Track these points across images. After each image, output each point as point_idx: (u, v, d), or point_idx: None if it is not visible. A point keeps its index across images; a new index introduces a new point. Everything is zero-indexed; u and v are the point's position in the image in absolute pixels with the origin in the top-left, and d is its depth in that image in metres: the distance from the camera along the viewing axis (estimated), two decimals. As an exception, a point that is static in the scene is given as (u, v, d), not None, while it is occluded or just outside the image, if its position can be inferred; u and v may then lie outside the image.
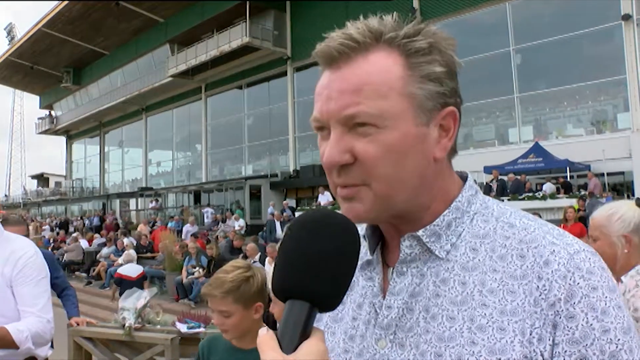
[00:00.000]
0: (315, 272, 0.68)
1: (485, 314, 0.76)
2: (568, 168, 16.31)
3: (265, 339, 0.66)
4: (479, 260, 0.80)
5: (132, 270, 12.95)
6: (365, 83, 0.78)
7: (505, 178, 15.93)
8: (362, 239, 0.93)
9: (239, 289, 2.11)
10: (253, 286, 2.15)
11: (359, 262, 0.93)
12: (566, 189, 15.28)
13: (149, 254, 16.95)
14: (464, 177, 0.91)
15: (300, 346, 0.65)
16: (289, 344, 0.65)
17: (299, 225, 0.73)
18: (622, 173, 17.05)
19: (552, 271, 0.75)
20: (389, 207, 0.81)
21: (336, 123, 0.79)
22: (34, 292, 2.44)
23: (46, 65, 41.40)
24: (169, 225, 22.71)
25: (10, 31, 51.72)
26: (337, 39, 0.80)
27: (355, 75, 0.78)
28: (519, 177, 15.76)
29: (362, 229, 0.95)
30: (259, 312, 2.17)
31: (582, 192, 14.54)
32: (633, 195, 15.62)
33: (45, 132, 48.99)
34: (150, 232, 20.66)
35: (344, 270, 0.71)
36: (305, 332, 0.67)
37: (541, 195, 14.51)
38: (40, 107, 50.45)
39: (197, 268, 12.94)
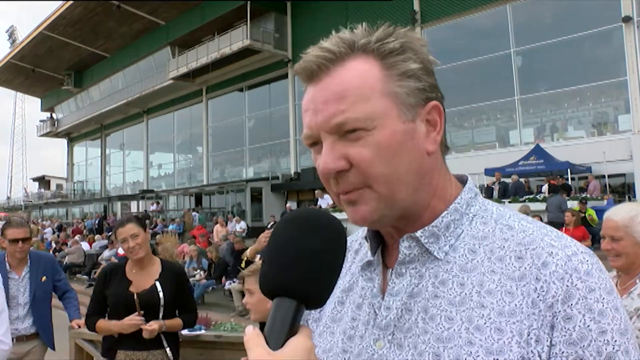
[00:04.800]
0: (303, 271, 0.69)
1: (483, 314, 0.77)
2: (569, 170, 16.28)
3: (252, 336, 0.67)
4: (478, 261, 0.81)
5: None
6: (346, 89, 0.80)
7: (508, 180, 15.86)
8: (364, 240, 0.94)
9: None
10: None
11: (360, 264, 0.94)
12: (564, 190, 15.16)
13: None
14: (463, 181, 0.92)
15: (287, 343, 0.66)
16: (276, 341, 0.66)
17: (286, 223, 0.74)
18: (623, 175, 17.03)
19: (549, 272, 0.75)
20: (392, 206, 0.82)
21: (326, 134, 0.81)
22: None
23: (47, 68, 41.48)
24: (170, 227, 22.72)
25: (11, 34, 51.79)
26: (314, 53, 0.83)
27: (336, 84, 0.81)
28: (522, 181, 15.71)
29: (364, 230, 0.96)
30: None
31: (583, 195, 14.52)
32: (634, 197, 15.60)
33: (46, 134, 49.06)
34: (153, 236, 20.64)
35: (331, 269, 0.72)
36: (292, 329, 0.68)
37: (542, 197, 14.49)
38: (41, 110, 50.55)
39: (199, 271, 12.94)
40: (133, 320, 3.23)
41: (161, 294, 3.35)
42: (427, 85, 0.84)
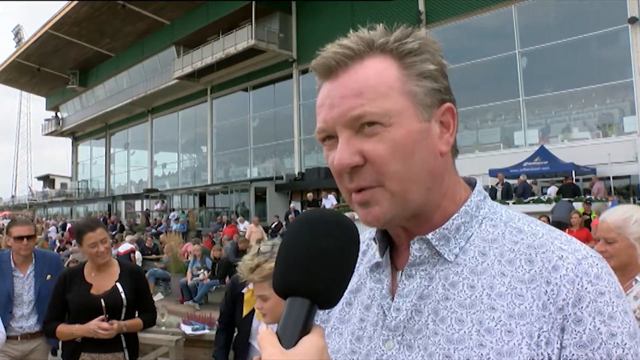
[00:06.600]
0: (316, 270, 0.70)
1: (493, 317, 0.77)
2: (574, 171, 16.25)
3: (265, 334, 0.68)
4: (488, 264, 0.81)
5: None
6: (365, 86, 0.80)
7: (514, 182, 15.79)
8: (372, 242, 0.94)
9: None
10: None
11: (368, 265, 0.94)
12: (566, 191, 15.08)
13: (153, 256, 17.01)
14: (472, 183, 0.93)
15: (299, 342, 0.66)
16: (289, 340, 0.67)
17: (300, 223, 0.75)
18: (628, 177, 16.98)
19: (560, 276, 0.76)
20: (405, 205, 0.82)
21: (342, 127, 0.81)
22: None
23: (53, 67, 41.64)
24: (174, 227, 22.76)
25: (17, 33, 52.02)
26: (332, 50, 0.83)
27: (354, 81, 0.81)
28: (529, 182, 15.64)
29: (371, 231, 0.96)
30: None
31: (588, 196, 14.47)
32: (639, 199, 15.55)
33: (51, 133, 49.24)
34: (157, 235, 20.66)
35: (344, 269, 0.73)
36: (305, 328, 0.68)
37: (546, 198, 14.45)
38: (46, 109, 50.73)
39: (202, 270, 12.97)
40: (102, 324, 3.20)
41: (123, 295, 3.36)
42: (442, 87, 0.85)
